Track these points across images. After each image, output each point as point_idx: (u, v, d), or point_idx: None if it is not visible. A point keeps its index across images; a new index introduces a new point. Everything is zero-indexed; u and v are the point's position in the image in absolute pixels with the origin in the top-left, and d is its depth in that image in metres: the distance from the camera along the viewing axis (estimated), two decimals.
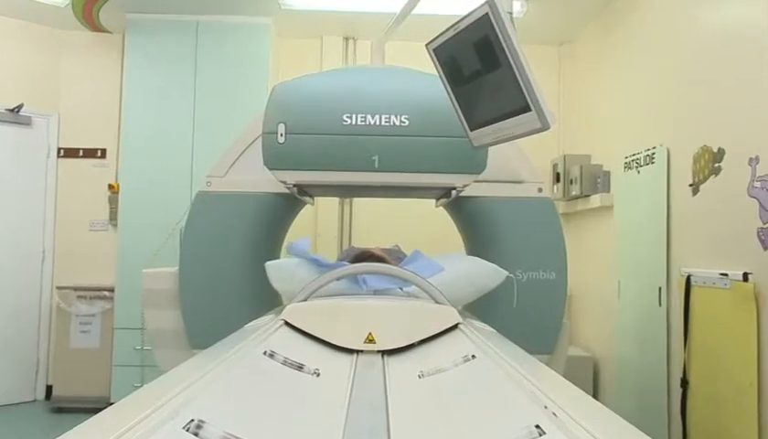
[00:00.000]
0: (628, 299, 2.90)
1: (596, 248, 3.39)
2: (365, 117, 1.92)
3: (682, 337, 2.35)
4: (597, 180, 3.26)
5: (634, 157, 2.87)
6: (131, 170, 3.50)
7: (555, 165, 3.65)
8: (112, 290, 3.53)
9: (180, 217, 2.32)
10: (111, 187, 3.81)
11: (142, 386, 0.79)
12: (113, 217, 3.75)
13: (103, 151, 3.87)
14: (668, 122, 2.62)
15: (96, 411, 0.67)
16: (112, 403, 0.98)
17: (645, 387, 2.70)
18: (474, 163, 1.97)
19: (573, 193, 3.43)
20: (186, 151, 3.49)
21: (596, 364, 3.37)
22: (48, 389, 3.72)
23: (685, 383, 2.31)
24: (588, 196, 3.34)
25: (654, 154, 2.69)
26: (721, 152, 2.21)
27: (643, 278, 2.74)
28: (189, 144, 3.49)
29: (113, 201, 3.73)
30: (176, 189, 3.42)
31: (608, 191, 3.21)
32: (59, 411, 3.51)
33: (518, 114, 1.33)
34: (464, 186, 2.01)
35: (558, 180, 3.58)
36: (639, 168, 2.83)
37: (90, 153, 3.86)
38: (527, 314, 2.01)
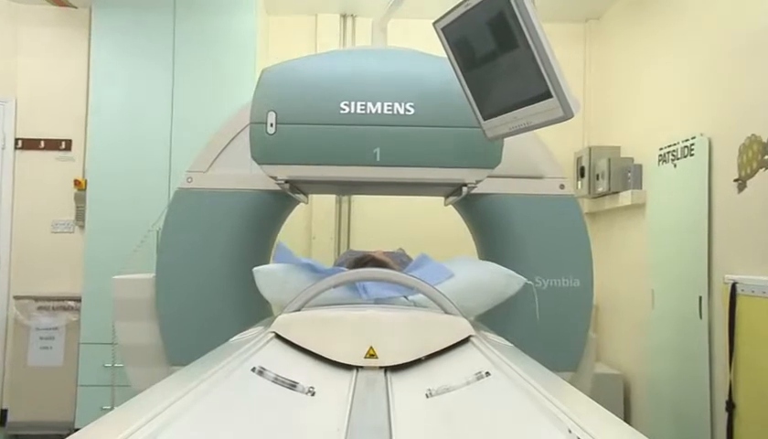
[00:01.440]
0: (664, 310, 2.91)
1: (626, 252, 3.41)
2: (365, 105, 1.93)
3: (727, 354, 2.36)
4: (627, 175, 3.28)
5: (671, 149, 2.89)
6: (100, 164, 3.51)
7: (579, 159, 3.66)
8: (78, 300, 3.55)
9: (157, 217, 2.34)
10: (77, 183, 3.83)
11: (112, 409, 0.80)
12: (80, 217, 3.77)
13: (68, 142, 3.88)
14: (710, 108, 2.63)
15: (58, 438, 0.67)
16: (76, 429, 0.99)
17: (685, 410, 2.71)
18: (487, 156, 1.99)
19: (600, 189, 3.44)
20: (163, 143, 3.50)
21: (627, 383, 3.38)
22: (3, 413, 3.73)
23: (731, 406, 2.32)
24: (617, 193, 3.35)
25: (693, 144, 2.70)
26: None
27: (681, 286, 2.75)
28: (167, 136, 3.51)
29: (80, 199, 3.75)
30: (153, 186, 3.43)
31: (640, 187, 3.22)
32: (15, 438, 3.52)
33: (538, 101, 1.34)
34: (477, 182, 2.02)
35: (582, 175, 3.59)
36: (676, 161, 2.84)
37: (52, 144, 3.88)
38: (547, 325, 2.03)
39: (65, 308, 3.58)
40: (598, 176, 3.45)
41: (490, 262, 1.87)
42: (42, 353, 3.56)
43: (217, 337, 1.55)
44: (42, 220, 3.85)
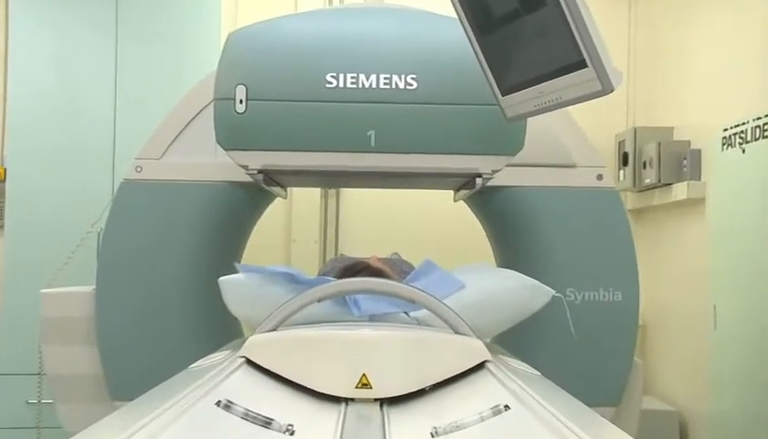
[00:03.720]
0: (729, 330, 2.93)
1: (681, 258, 3.43)
2: (356, 77, 1.94)
3: None
4: (682, 163, 3.30)
5: (738, 130, 2.90)
6: (22, 149, 3.51)
7: (622, 143, 3.68)
8: None
9: (97, 215, 2.35)
10: None
11: None
12: None
13: None
14: None
15: None
16: None
17: None
18: (506, 140, 1.99)
19: (648, 181, 3.46)
20: (104, 124, 3.51)
21: (683, 421, 3.40)
22: None
23: None
24: (669, 184, 3.37)
25: (767, 124, 2.72)
26: None
27: (750, 301, 2.77)
28: (110, 115, 3.51)
29: None
30: (91, 177, 3.43)
31: (698, 178, 3.24)
32: None
33: (570, 72, 1.35)
34: (494, 172, 2.03)
35: (625, 163, 3.61)
36: (745, 145, 2.86)
37: None
38: (582, 349, 2.04)
39: None
40: (645, 163, 3.47)
41: (510, 271, 1.87)
42: None
43: (172, 364, 1.56)
44: None
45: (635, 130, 3.56)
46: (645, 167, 3.48)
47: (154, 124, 2.26)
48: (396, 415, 1.19)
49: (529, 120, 1.92)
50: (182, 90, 2.32)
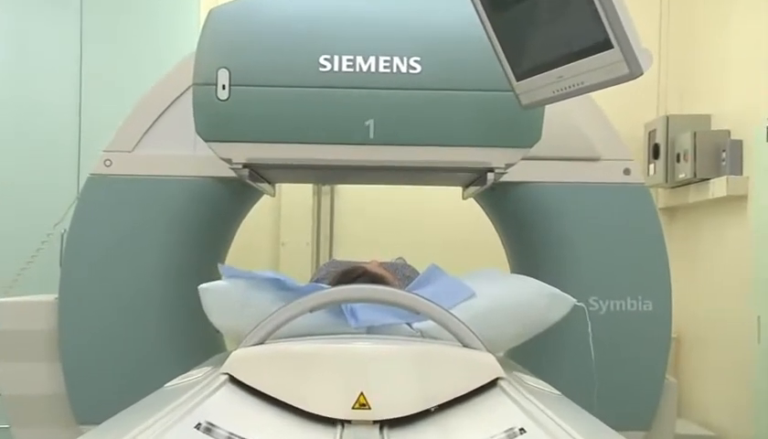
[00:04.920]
0: None
1: (720, 263, 3.43)
2: (353, 60, 1.94)
3: None
4: (721, 155, 3.30)
5: None
6: None
7: (652, 133, 3.68)
8: None
9: (60, 215, 2.35)
10: None
11: None
12: None
13: None
14: None
15: None
16: None
17: None
18: (522, 131, 2.00)
19: (682, 176, 3.46)
20: (69, 111, 3.51)
21: None
22: None
23: None
24: (706, 180, 3.37)
25: None
26: None
27: None
28: (74, 102, 3.52)
29: None
30: (53, 171, 3.44)
31: (739, 173, 3.24)
32: None
33: (593, 54, 1.36)
34: (508, 166, 2.04)
35: (656, 156, 3.61)
36: None
37: None
38: (608, 366, 2.04)
39: None
40: (679, 156, 3.47)
41: (525, 277, 1.89)
42: None
43: (146, 382, 1.57)
44: None
45: (668, 118, 3.56)
46: (678, 160, 3.48)
47: (125, 112, 2.26)
48: None
49: (548, 107, 1.94)
50: (157, 73, 2.32)
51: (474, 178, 2.26)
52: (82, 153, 3.47)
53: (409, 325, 1.64)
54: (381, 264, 2.26)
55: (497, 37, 1.60)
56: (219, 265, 1.77)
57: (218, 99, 1.94)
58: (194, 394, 1.22)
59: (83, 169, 3.21)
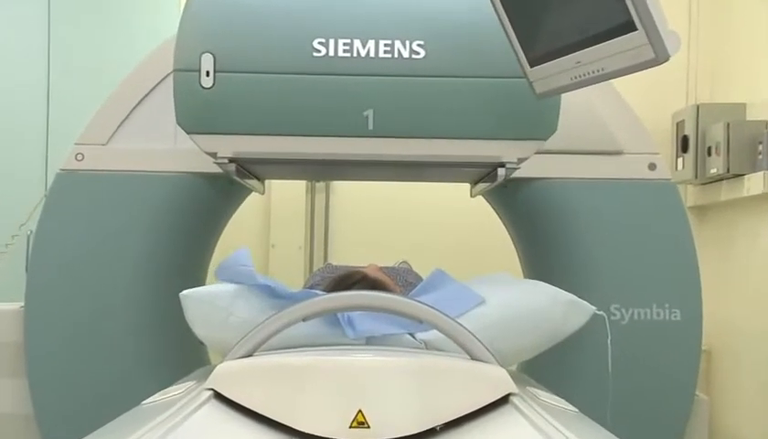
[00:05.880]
0: None
1: (754, 266, 3.43)
2: (350, 44, 1.95)
3: None
4: (757, 148, 3.30)
5: None
6: None
7: (680, 124, 3.68)
8: None
9: (26, 214, 2.36)
10: None
11: None
12: None
13: None
14: None
15: None
16: None
17: None
18: (536, 121, 2.00)
19: (714, 171, 3.46)
20: (36, 101, 3.51)
21: None
22: None
23: None
24: (741, 176, 3.37)
25: None
26: None
27: None
28: (42, 92, 3.52)
29: None
30: (19, 166, 3.44)
31: None
32: None
33: (615, 36, 1.37)
34: (520, 160, 2.05)
35: (685, 149, 3.62)
36: None
37: None
38: (631, 381, 2.06)
39: None
40: (710, 149, 3.48)
41: (540, 283, 1.89)
42: None
43: (121, 399, 1.57)
44: None
45: (698, 108, 3.56)
46: (709, 154, 3.48)
47: (98, 100, 2.26)
48: None
49: (564, 96, 1.94)
50: (134, 58, 2.32)
51: (483, 174, 2.27)
52: (50, 145, 3.47)
53: (411, 335, 1.65)
54: (381, 269, 2.27)
55: (509, 18, 1.61)
56: (215, 271, 1.77)
57: (202, 86, 1.94)
58: (175, 412, 1.23)
59: (52, 163, 3.21)
